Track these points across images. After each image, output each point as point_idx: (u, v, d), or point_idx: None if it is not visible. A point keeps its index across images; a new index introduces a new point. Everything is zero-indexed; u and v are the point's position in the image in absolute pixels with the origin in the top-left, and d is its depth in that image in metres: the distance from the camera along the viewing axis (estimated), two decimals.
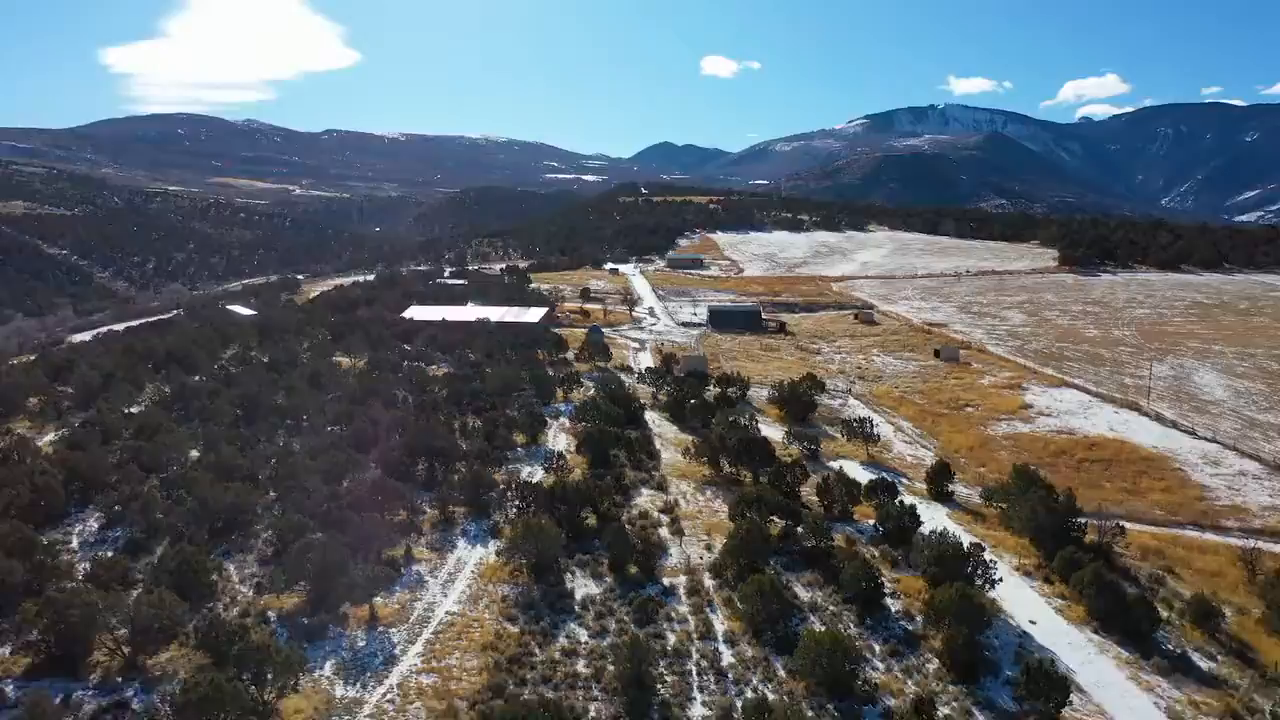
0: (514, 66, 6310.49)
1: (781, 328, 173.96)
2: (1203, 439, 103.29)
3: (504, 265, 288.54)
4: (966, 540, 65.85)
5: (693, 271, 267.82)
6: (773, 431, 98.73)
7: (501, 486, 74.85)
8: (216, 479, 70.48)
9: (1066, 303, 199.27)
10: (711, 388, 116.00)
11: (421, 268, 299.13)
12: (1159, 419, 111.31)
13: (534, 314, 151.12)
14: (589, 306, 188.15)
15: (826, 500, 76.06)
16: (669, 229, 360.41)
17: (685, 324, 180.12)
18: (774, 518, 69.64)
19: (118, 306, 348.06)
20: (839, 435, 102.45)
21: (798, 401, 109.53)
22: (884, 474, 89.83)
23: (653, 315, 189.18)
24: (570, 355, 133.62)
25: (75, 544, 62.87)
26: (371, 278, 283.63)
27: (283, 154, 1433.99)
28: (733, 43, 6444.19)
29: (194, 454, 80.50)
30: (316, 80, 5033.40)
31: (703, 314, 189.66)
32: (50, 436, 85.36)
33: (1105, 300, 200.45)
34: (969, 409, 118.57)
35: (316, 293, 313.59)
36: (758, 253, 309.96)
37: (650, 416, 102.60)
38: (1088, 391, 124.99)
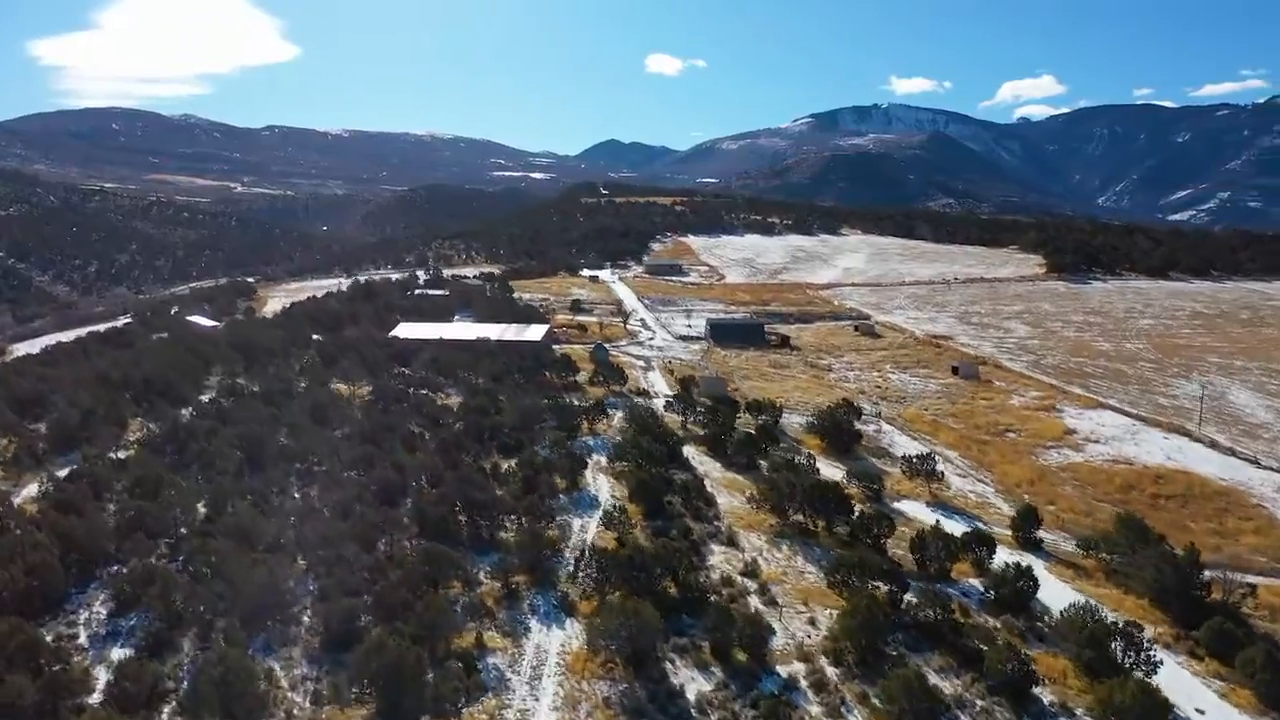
0: (458, 62, 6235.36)
1: (785, 342, 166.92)
2: (1268, 469, 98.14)
3: (476, 271, 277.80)
4: (1112, 616, 58.71)
5: (673, 278, 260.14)
6: (825, 468, 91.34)
7: (564, 549, 66.78)
8: (239, 547, 61.05)
9: (1065, 312, 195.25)
10: (743, 415, 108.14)
11: (392, 275, 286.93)
12: (1214, 446, 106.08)
13: (535, 332, 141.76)
14: (583, 320, 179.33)
15: (920, 557, 68.76)
16: (640, 232, 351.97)
17: (683, 337, 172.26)
18: (876, 583, 62.28)
19: (60, 312, 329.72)
20: (893, 470, 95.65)
21: (840, 431, 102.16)
22: (955, 517, 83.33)
23: (647, 328, 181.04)
24: (581, 378, 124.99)
25: (83, 638, 53.02)
26: (336, 284, 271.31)
27: (223, 150, 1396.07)
28: (677, 41, 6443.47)
29: (201, 509, 70.59)
30: (255, 75, 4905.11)
31: (698, 326, 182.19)
32: (31, 490, 74.63)
33: (1104, 310, 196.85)
34: (1011, 434, 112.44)
35: (276, 300, 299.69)
36: (734, 257, 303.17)
37: (689, 452, 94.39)
38: (1126, 414, 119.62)
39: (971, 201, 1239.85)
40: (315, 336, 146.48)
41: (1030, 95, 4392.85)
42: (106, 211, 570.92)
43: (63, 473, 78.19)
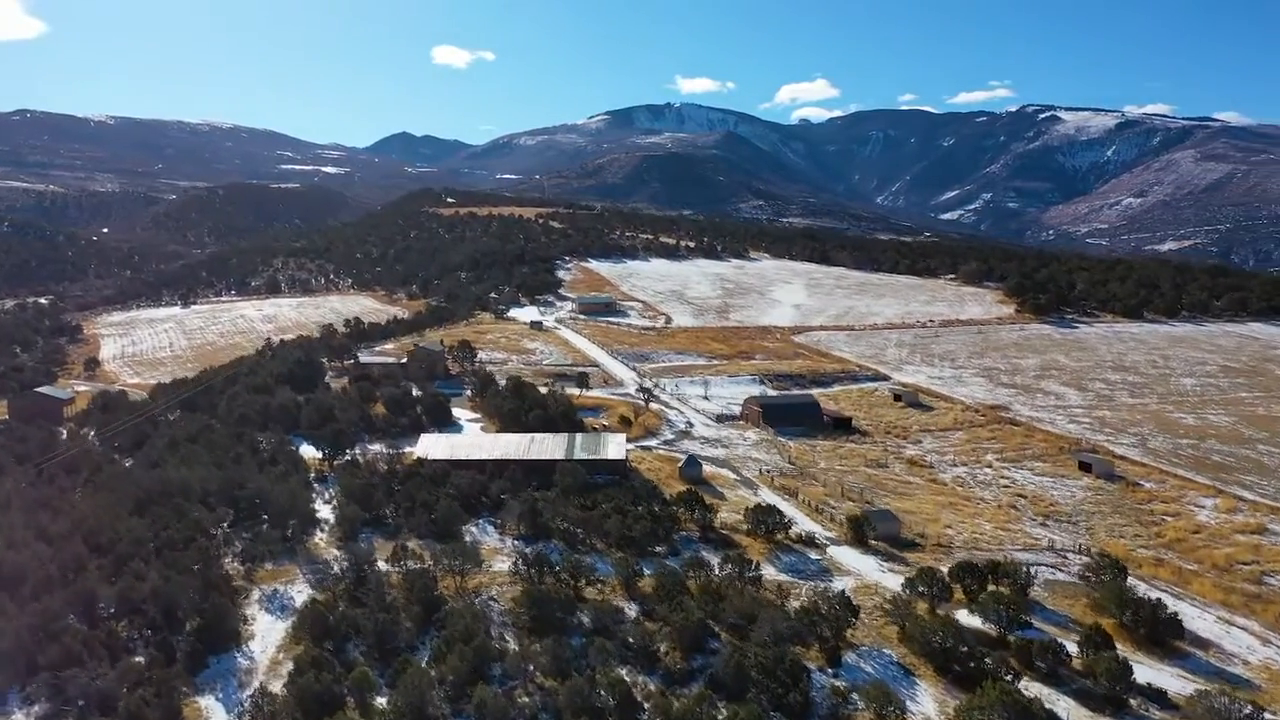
0: (231, 47, 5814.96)
1: (847, 424, 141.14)
2: None
3: (391, 317, 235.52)
4: None
5: (615, 320, 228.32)
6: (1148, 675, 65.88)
7: None
8: None
9: (1089, 368, 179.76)
10: (991, 586, 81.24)
11: (251, 302, 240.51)
12: None
13: (615, 447, 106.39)
14: (605, 398, 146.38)
15: None
16: (536, 258, 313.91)
17: (720, 417, 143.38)
18: None
19: None
20: (1233, 666, 72.45)
21: (1153, 618, 76.44)
22: None
23: (662, 403, 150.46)
24: (724, 519, 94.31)
25: None
26: (177, 317, 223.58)
27: None
28: (464, 32, 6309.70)
29: None
30: None
31: (717, 396, 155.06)
32: None
33: (1125, 364, 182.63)
34: (1271, 581, 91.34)
35: (111, 340, 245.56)
36: (659, 289, 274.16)
37: (1027, 687, 66.17)
38: None
39: (779, 203, 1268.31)
40: (314, 457, 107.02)
41: (807, 98, 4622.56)
42: None
43: None
